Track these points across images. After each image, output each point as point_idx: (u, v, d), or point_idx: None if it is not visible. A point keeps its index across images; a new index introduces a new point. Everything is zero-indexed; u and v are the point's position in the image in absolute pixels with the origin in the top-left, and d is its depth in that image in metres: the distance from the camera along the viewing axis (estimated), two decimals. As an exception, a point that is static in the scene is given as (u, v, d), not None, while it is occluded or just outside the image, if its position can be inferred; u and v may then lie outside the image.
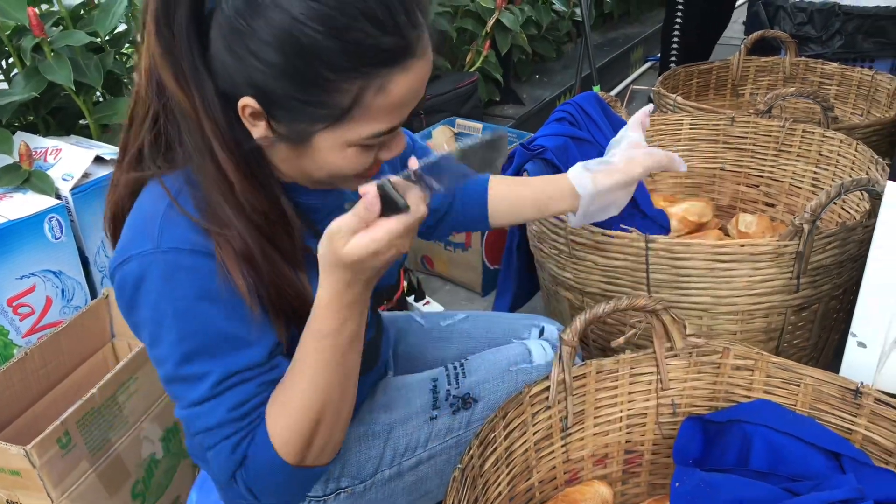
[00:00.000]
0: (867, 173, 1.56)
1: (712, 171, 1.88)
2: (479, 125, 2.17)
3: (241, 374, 0.81)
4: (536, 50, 3.26)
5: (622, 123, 1.82)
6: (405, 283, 2.07)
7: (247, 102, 0.75)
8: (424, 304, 2.03)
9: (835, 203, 1.48)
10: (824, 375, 1.04)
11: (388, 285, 1.10)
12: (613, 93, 3.47)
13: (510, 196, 1.16)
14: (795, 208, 1.77)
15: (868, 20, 2.45)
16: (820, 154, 1.70)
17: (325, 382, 0.80)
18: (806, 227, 1.23)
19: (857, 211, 1.57)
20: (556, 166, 1.68)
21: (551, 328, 1.23)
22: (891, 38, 2.48)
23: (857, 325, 1.09)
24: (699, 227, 1.81)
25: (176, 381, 0.81)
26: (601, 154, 1.83)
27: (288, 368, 0.82)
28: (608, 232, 1.33)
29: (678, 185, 1.92)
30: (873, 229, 1.31)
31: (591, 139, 1.76)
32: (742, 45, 2.28)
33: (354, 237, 0.72)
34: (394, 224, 0.72)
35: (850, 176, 1.62)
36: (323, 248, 0.75)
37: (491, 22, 2.72)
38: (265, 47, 0.72)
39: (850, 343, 1.11)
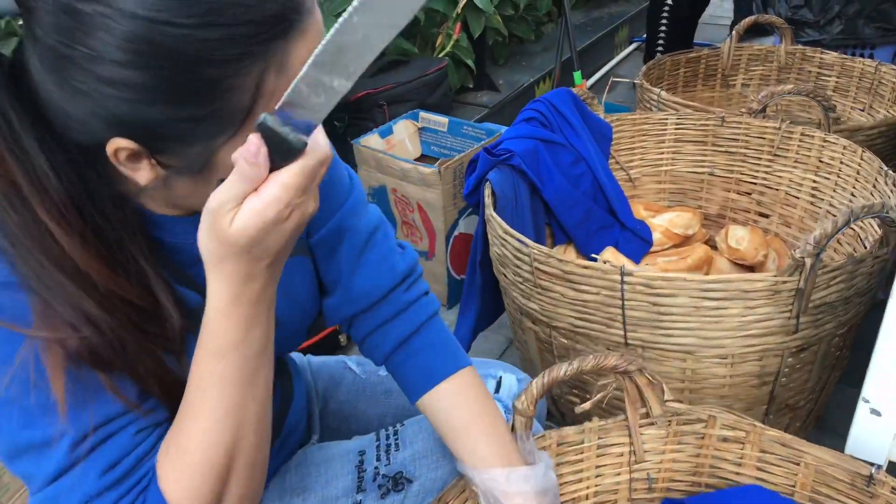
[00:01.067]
0: (874, 186, 1.37)
1: (700, 175, 1.69)
2: (445, 119, 1.96)
3: (107, 426, 0.62)
4: (513, 31, 3.04)
5: (600, 123, 1.62)
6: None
7: (118, 145, 0.57)
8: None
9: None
10: (830, 455, 0.86)
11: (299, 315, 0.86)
12: (596, 77, 3.27)
13: (451, 414, 0.83)
14: (792, 220, 1.59)
15: (870, 3, 2.25)
16: (820, 161, 1.51)
17: (235, 413, 0.62)
18: (808, 261, 1.05)
19: (861, 228, 1.39)
20: (524, 174, 1.49)
21: (510, 379, 1.05)
22: (893, 22, 2.29)
23: (869, 388, 0.91)
24: (685, 240, 1.62)
25: (18, 454, 0.61)
26: (575, 159, 1.64)
27: (181, 404, 0.63)
28: (578, 262, 1.14)
29: (661, 192, 1.73)
30: (885, 261, 1.13)
31: (565, 142, 1.56)
32: (733, 32, 2.08)
33: (241, 208, 0.55)
34: (290, 174, 0.55)
35: (854, 187, 1.44)
36: (204, 237, 0.57)
37: (462, 2, 2.50)
38: (118, 68, 0.53)
39: (861, 410, 0.93)
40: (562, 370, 0.86)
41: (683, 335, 1.13)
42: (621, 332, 1.16)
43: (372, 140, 1.90)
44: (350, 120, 2.18)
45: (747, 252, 1.51)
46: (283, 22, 0.55)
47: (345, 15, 0.50)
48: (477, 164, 1.49)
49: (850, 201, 1.45)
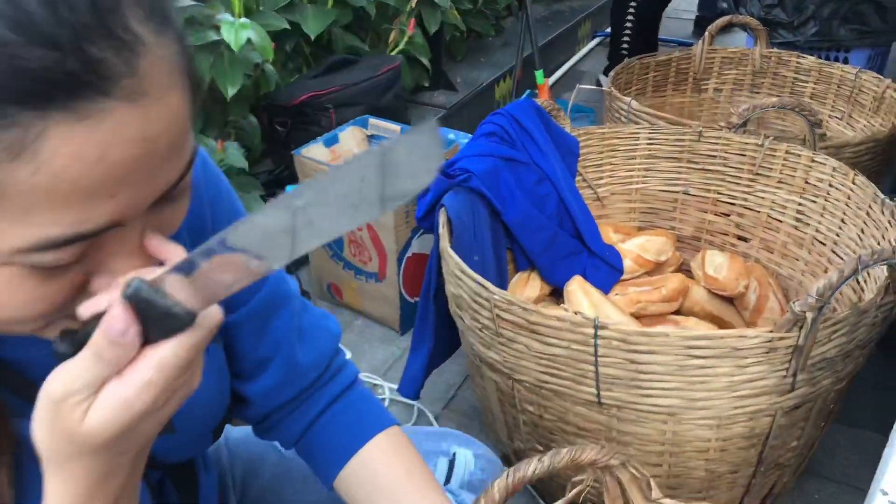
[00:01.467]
0: (868, 214, 1.24)
1: (673, 195, 1.55)
2: (397, 127, 1.79)
3: None
4: (472, 27, 2.87)
5: (566, 138, 1.47)
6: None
7: None
8: (327, 349, 1.66)
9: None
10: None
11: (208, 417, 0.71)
12: (559, 74, 3.12)
13: (378, 480, 0.72)
14: (774, 245, 1.46)
15: (845, 4, 2.14)
16: (807, 182, 1.38)
17: None
18: (810, 315, 0.91)
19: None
20: (484, 198, 1.33)
21: (464, 456, 0.89)
22: (870, 24, 2.18)
23: (888, 481, 0.77)
24: (657, 267, 1.48)
25: None
26: (539, 179, 1.49)
27: None
28: (546, 311, 0.98)
29: (631, 211, 1.58)
30: (890, 310, 0.99)
31: (528, 160, 1.40)
32: (706, 34, 1.94)
33: (99, 398, 0.40)
34: (171, 353, 0.40)
35: (845, 213, 1.31)
36: (44, 432, 0.41)
37: (417, -5, 2.33)
38: None
39: (878, 502, 0.79)
40: (530, 468, 0.70)
41: (665, 396, 0.98)
42: (594, 391, 1.01)
43: (315, 150, 1.72)
44: (293, 125, 1.99)
45: (727, 282, 1.38)
46: (52, 89, 0.35)
47: (288, 194, 0.35)
48: (428, 189, 1.33)
49: (840, 228, 1.32)
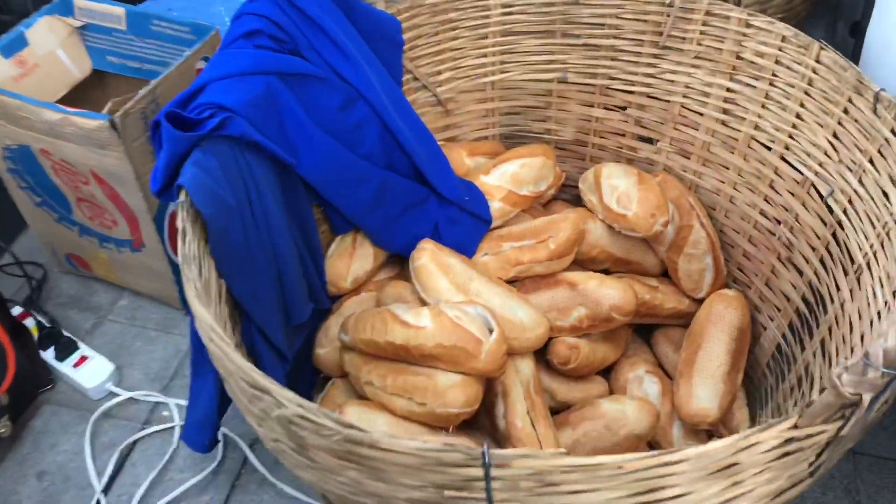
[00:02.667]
0: (845, 110, 0.82)
1: (546, 85, 1.06)
2: (120, 9, 1.16)
3: None
4: None
5: (380, 19, 0.93)
6: (34, 328, 1.15)
7: None
8: (77, 366, 1.13)
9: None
10: None
11: None
12: None
13: None
14: (691, 148, 1.02)
15: None
16: (739, 58, 0.93)
17: None
18: (868, 397, 0.49)
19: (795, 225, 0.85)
20: (259, 148, 0.80)
21: None
22: None
23: None
24: (536, 199, 1.02)
25: None
26: (347, 99, 0.94)
27: None
28: (383, 442, 0.51)
29: (489, 116, 1.08)
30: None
31: (324, 71, 0.87)
32: None
33: None
34: None
35: (804, 105, 0.88)
36: None
37: None
38: None
39: None
40: None
41: (609, 532, 0.56)
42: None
43: (-11, 65, 1.09)
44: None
45: (639, 220, 0.94)
46: None
47: None
48: (160, 142, 0.77)
49: (795, 127, 0.89)
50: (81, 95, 1.24)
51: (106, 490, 1.00)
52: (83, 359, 1.13)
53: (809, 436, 0.51)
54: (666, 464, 0.50)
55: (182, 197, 0.72)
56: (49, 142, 1.04)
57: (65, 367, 1.12)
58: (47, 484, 1.01)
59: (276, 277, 0.82)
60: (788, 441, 0.51)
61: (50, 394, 1.11)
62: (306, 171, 0.86)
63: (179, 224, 0.71)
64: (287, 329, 0.84)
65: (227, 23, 1.06)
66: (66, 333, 1.16)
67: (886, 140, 0.76)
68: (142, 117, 1.01)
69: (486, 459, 0.49)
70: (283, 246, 0.84)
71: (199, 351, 0.86)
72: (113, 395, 1.10)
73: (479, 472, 0.50)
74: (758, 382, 0.99)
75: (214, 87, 0.79)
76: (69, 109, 0.99)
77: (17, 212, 1.22)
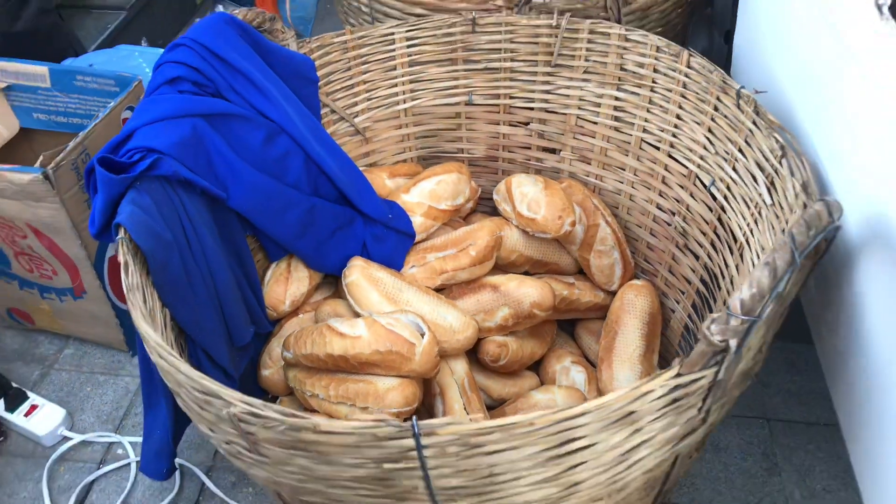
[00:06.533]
0: (716, 107, 0.93)
1: (455, 108, 1.15)
2: (43, 69, 1.20)
3: None
4: None
5: (293, 60, 1.00)
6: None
7: None
8: (28, 415, 1.15)
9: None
10: None
11: None
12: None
13: None
14: (591, 154, 1.12)
15: None
16: (623, 69, 1.04)
17: None
18: (734, 342, 0.58)
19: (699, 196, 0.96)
20: (189, 185, 0.86)
21: None
22: None
23: None
24: (455, 212, 1.10)
25: None
26: (269, 134, 1.01)
27: None
28: (325, 425, 0.58)
29: (406, 140, 1.17)
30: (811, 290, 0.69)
31: (244, 110, 0.93)
32: None
33: None
34: None
35: (682, 107, 0.99)
36: None
37: None
38: None
39: None
40: None
41: (534, 489, 0.63)
42: (427, 505, 0.64)
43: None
44: None
45: (548, 222, 1.03)
46: None
47: None
48: (94, 186, 0.83)
49: (677, 127, 1.00)
50: (10, 154, 1.27)
51: (68, 530, 1.02)
52: (33, 407, 1.16)
53: (692, 381, 0.60)
54: (571, 417, 0.57)
55: (121, 234, 0.78)
56: (-18, 199, 1.08)
57: (15, 418, 1.14)
58: (7, 531, 1.03)
59: (216, 305, 0.87)
60: (675, 388, 0.60)
61: (2, 445, 1.13)
62: (236, 202, 0.92)
63: (121, 258, 0.76)
64: (231, 350, 0.90)
65: (149, 73, 1.13)
66: (14, 385, 1.18)
67: (750, 130, 0.86)
68: (73, 168, 1.06)
69: (416, 430, 0.56)
70: (221, 274, 0.89)
71: (148, 382, 0.91)
72: (66, 439, 1.13)
73: (411, 442, 0.57)
74: (671, 361, 1.08)
75: (143, 132, 0.85)
76: (1, 166, 1.03)
77: (-46, 272, 1.24)
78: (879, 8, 0.65)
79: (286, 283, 1.02)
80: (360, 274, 0.97)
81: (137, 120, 0.86)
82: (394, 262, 1.03)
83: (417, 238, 1.06)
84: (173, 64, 0.90)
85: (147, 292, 0.75)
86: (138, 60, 1.44)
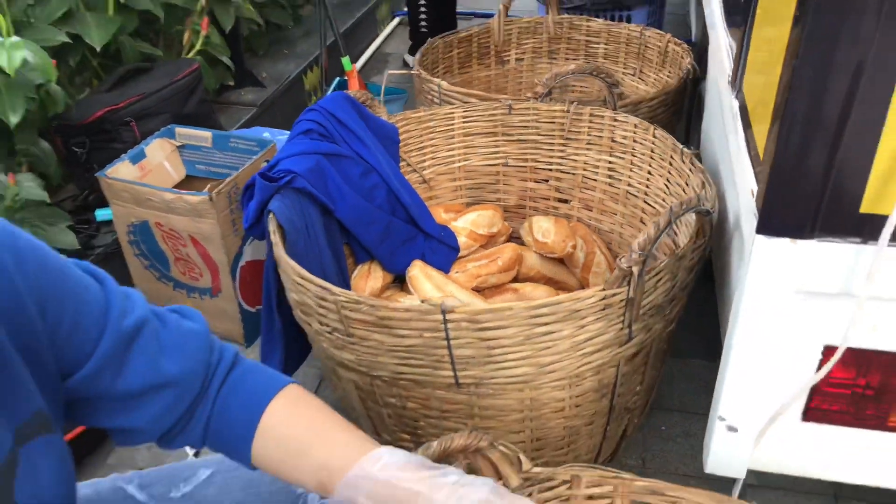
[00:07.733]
0: (671, 163, 1.35)
1: (495, 168, 1.60)
2: (207, 133, 1.71)
3: None
4: (269, 19, 2.79)
5: (384, 126, 1.47)
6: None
7: None
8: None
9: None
10: (706, 498, 0.78)
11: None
12: (365, 58, 3.11)
13: (287, 444, 0.71)
14: (592, 203, 1.54)
15: (623, -33, 2.28)
16: (613, 141, 1.47)
17: None
18: (635, 269, 0.97)
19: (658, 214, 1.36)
20: (311, 197, 1.31)
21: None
22: (645, -16, 2.34)
23: (725, 407, 0.85)
24: (490, 239, 1.53)
25: None
26: (364, 171, 1.48)
27: None
28: (394, 305, 0.99)
29: (458, 189, 1.62)
30: (703, 251, 1.08)
31: (351, 153, 1.39)
32: (500, 7, 2.01)
33: None
34: None
35: (651, 165, 1.41)
36: None
37: (206, -7, 2.22)
38: None
39: (718, 428, 0.87)
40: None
41: (517, 365, 1.02)
42: (451, 374, 1.03)
43: (122, 169, 1.62)
44: (92, 144, 1.85)
45: (555, 245, 1.44)
46: None
47: None
48: (252, 192, 1.29)
49: (648, 180, 1.42)
50: (176, 193, 1.77)
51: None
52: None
53: (613, 294, 0.98)
54: (538, 306, 0.97)
55: (271, 217, 1.22)
56: (163, 216, 1.56)
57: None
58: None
59: (320, 271, 1.30)
60: (603, 298, 0.98)
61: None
62: (341, 214, 1.37)
63: (273, 236, 1.20)
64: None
65: (276, 140, 1.61)
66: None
67: (689, 175, 1.27)
68: (227, 196, 1.53)
69: (443, 308, 0.97)
70: (326, 259, 1.33)
71: (267, 342, 1.33)
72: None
73: (439, 317, 0.97)
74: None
75: (286, 161, 1.32)
76: (181, 191, 1.52)
77: (127, 276, 1.71)
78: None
79: (367, 279, 1.45)
80: (420, 271, 1.39)
81: (283, 153, 1.33)
82: (443, 268, 1.45)
83: (461, 253, 1.48)
84: (307, 121, 1.37)
85: (284, 256, 1.18)
86: (265, 135, 1.95)
